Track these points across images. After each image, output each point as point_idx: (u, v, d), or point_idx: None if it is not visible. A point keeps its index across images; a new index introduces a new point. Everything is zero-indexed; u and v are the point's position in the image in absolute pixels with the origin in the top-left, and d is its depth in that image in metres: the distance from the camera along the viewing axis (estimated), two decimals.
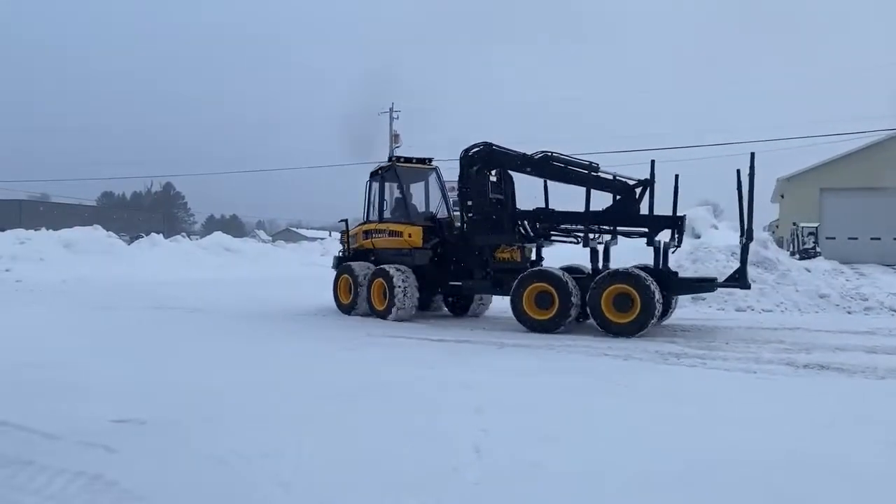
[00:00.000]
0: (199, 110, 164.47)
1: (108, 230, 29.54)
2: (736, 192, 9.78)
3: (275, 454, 4.09)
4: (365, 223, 13.33)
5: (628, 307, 9.40)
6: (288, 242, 52.22)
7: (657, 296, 9.24)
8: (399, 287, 11.46)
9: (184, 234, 44.59)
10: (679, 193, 10.24)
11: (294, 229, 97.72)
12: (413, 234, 12.12)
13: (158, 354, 8.00)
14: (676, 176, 10.25)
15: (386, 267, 11.84)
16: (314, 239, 60.03)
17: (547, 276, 10.07)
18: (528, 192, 11.38)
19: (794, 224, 31.32)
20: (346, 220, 14.12)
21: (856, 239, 32.90)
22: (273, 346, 8.88)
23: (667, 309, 10.53)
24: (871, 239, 33.00)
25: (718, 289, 10.72)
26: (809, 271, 16.61)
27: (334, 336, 9.77)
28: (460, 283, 11.69)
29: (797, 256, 25.59)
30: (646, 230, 10.25)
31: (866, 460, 4.08)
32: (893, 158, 31.66)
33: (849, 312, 12.75)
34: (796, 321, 11.45)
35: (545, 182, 11.00)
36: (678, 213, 10.11)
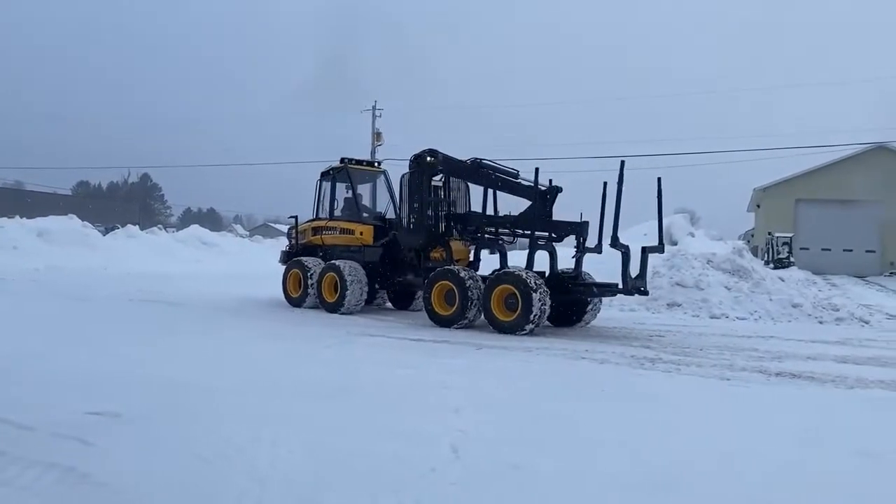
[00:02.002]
0: (179, 101, 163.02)
1: (83, 220, 29.14)
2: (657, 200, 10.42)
3: (251, 450, 4.07)
4: (314, 220, 13.89)
5: (515, 307, 9.95)
6: (265, 237, 51.89)
7: (538, 297, 9.72)
8: (350, 281, 12.08)
9: (160, 226, 44.12)
10: (663, 197, 10.51)
11: (272, 224, 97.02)
12: (364, 233, 12.91)
13: (134, 347, 7.92)
14: (659, 179, 10.46)
15: (337, 262, 12.45)
16: None
17: (450, 275, 10.75)
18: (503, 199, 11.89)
19: (769, 234, 31.76)
20: (295, 217, 14.62)
21: (829, 250, 33.45)
22: (250, 342, 8.82)
23: (582, 312, 11.21)
24: (844, 250, 33.58)
25: (654, 294, 11.59)
26: (783, 281, 16.83)
27: (313, 334, 9.73)
28: (401, 280, 12.66)
29: (771, 266, 25.96)
30: (553, 235, 10.97)
31: (838, 469, 4.15)
32: (867, 172, 32.23)
33: (820, 322, 12.94)
34: (770, 329, 11.60)
35: (486, 188, 11.61)
36: (593, 218, 10.62)
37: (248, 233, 70.32)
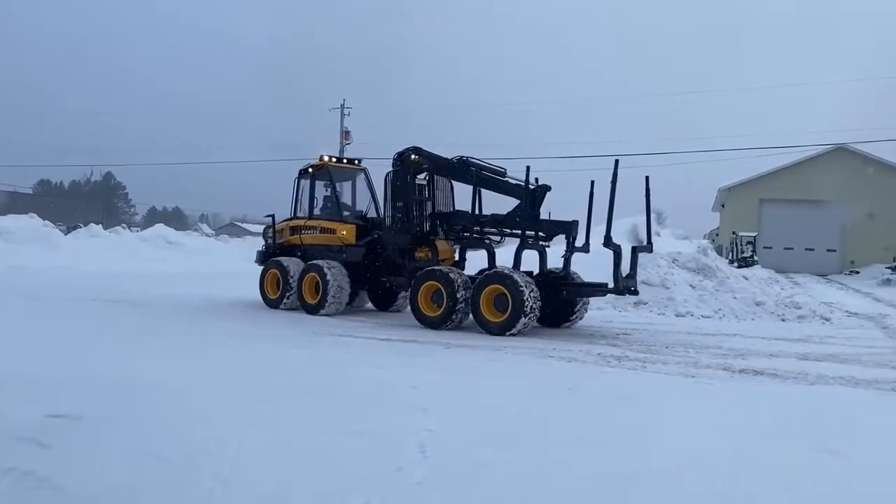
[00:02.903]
0: (143, 98, 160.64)
1: (44, 219, 28.57)
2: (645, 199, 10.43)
3: (216, 451, 4.02)
4: (292, 219, 13.61)
5: (504, 307, 9.81)
6: (232, 237, 51.34)
7: (529, 298, 9.60)
8: (332, 282, 11.80)
9: (124, 225, 43.40)
10: (650, 196, 10.55)
11: (238, 223, 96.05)
12: (347, 232, 12.55)
13: (96, 348, 7.78)
14: (647, 178, 10.48)
15: (319, 262, 12.14)
16: (259, 234, 59.13)
17: (437, 275, 10.54)
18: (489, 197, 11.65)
19: (734, 233, 32.25)
20: (272, 216, 14.28)
21: (791, 249, 34.09)
22: (216, 342, 8.72)
23: (570, 311, 11.08)
24: (806, 249, 34.24)
25: (640, 294, 11.23)
26: (747, 279, 17.12)
27: (281, 334, 9.65)
28: (385, 280, 12.34)
29: (736, 265, 26.36)
30: (543, 234, 10.75)
31: (801, 465, 4.21)
32: (828, 173, 32.88)
33: (783, 320, 13.16)
34: (733, 327, 11.78)
35: (474, 186, 11.35)
36: (573, 218, 10.43)
37: (214, 232, 69.51)
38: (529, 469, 3.92)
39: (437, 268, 10.75)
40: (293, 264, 12.73)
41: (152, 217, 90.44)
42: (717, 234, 40.05)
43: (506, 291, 9.78)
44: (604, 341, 9.53)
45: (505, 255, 11.27)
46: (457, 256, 11.90)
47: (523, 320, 9.65)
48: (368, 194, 13.83)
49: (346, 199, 13.75)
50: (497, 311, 9.94)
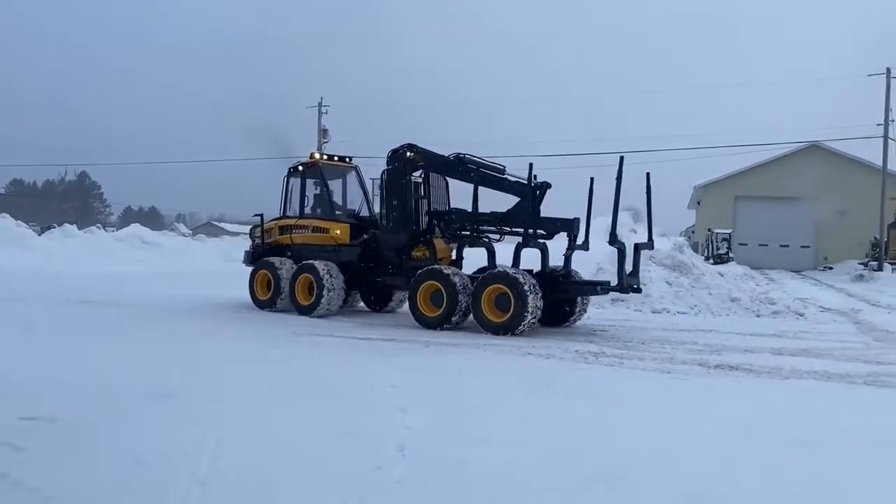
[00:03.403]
0: (119, 96, 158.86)
1: (17, 219, 28.16)
2: (645, 196, 10.40)
3: (193, 452, 4.00)
4: (281, 218, 13.32)
5: (506, 307, 9.64)
6: (209, 236, 50.91)
7: (531, 297, 9.45)
8: (327, 283, 11.53)
9: (99, 225, 42.90)
10: (651, 193, 10.52)
11: (216, 223, 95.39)
12: (341, 231, 12.26)
13: (71, 350, 7.70)
14: (648, 175, 10.39)
15: (313, 262, 11.81)
16: (237, 233, 58.75)
17: (436, 274, 10.32)
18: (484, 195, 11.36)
19: (709, 230, 32.59)
20: (261, 215, 13.95)
21: (766, 245, 34.55)
22: (194, 343, 8.67)
23: (572, 310, 10.92)
24: (781, 246, 34.71)
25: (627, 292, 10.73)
26: (722, 275, 17.29)
27: (259, 334, 9.60)
28: (381, 280, 12.03)
29: (711, 261, 26.66)
30: (544, 232, 10.52)
31: (775, 459, 4.28)
32: (802, 170, 33.35)
33: (758, 315, 13.32)
34: (709, 323, 11.90)
35: (473, 184, 11.02)
36: (574, 216, 10.28)
37: (191, 231, 68.96)
38: (508, 467, 3.95)
39: (436, 267, 10.55)
40: (285, 265, 12.44)
41: (128, 217, 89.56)
42: (693, 232, 40.45)
43: (508, 291, 9.60)
44: (581, 338, 9.59)
45: (504, 254, 11.04)
46: (454, 255, 11.71)
47: (526, 320, 9.49)
48: (359, 193, 13.57)
49: (336, 197, 13.33)
50: (499, 311, 9.75)
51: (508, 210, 10.77)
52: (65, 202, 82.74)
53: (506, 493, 3.56)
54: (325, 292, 11.51)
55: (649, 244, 10.39)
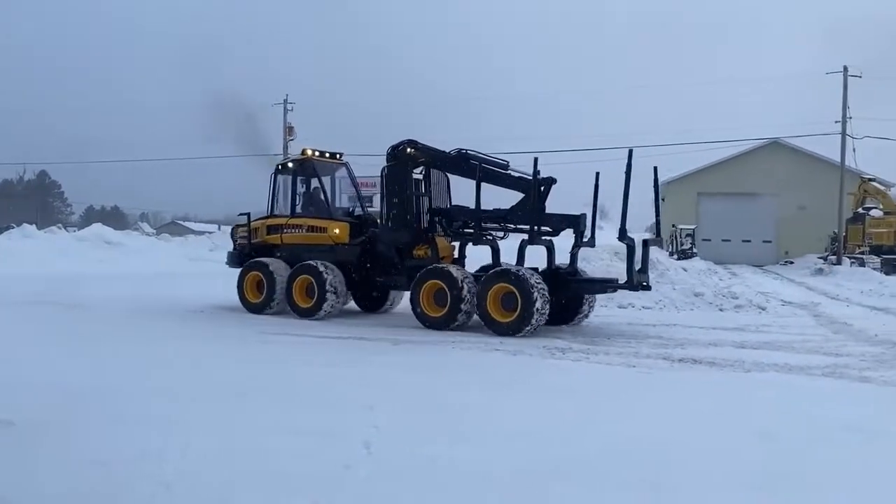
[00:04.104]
0: (79, 94, 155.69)
1: None
2: (653, 192, 10.27)
3: (157, 455, 3.96)
4: (270, 217, 12.69)
5: (513, 306, 9.36)
6: (174, 236, 50.18)
7: (538, 296, 9.19)
8: (329, 284, 11.01)
9: (60, 225, 42.07)
10: (659, 186, 10.47)
11: (180, 222, 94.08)
12: (340, 230, 11.72)
13: (29, 352, 7.55)
14: (655, 168, 10.28)
15: (314, 263, 11.25)
16: (202, 233, 58.03)
17: (440, 273, 10.02)
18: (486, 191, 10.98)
19: (673, 226, 32.99)
20: (248, 214, 13.19)
21: (729, 241, 35.09)
22: (159, 344, 8.55)
23: (579, 308, 10.60)
24: (743, 241, 35.29)
25: (637, 290, 10.32)
26: (686, 271, 17.52)
27: (225, 334, 9.50)
28: (382, 280, 11.58)
29: (675, 256, 26.99)
30: (550, 229, 10.28)
31: (739, 450, 4.37)
32: (763, 166, 33.96)
33: (721, 310, 13.52)
34: (673, 318, 12.06)
35: (476, 181, 10.61)
36: (578, 212, 10.08)
37: (155, 231, 67.97)
38: (474, 462, 3.97)
39: (439, 266, 10.24)
40: (278, 266, 11.82)
41: (90, 216, 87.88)
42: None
43: (514, 290, 9.32)
44: (549, 333, 9.65)
45: (506, 251, 10.75)
46: (456, 254, 11.32)
47: (534, 320, 9.20)
48: (350, 190, 13.03)
49: (319, 195, 12.65)
50: (505, 310, 9.43)
51: (513, 206, 10.51)
52: (24, 202, 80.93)
53: (472, 489, 3.58)
54: (327, 294, 10.99)
55: (658, 240, 10.09)
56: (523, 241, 10.36)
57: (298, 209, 12.52)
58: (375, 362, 7.43)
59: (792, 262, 31.93)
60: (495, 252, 10.64)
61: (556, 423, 4.91)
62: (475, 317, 10.05)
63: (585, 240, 10.06)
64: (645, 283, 9.94)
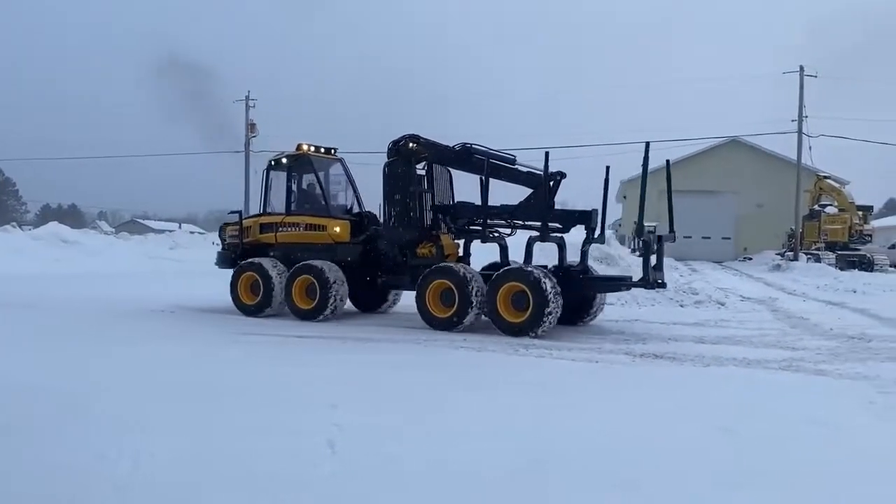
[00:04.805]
0: (34, 91, 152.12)
1: None
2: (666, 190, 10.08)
3: (115, 457, 3.88)
4: (262, 215, 12.31)
5: (525, 306, 9.04)
6: (133, 234, 49.33)
7: (551, 295, 8.89)
8: (332, 284, 10.65)
9: (14, 223, 41.11)
10: (671, 182, 10.22)
11: (140, 221, 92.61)
12: (341, 229, 11.36)
13: None
14: (668, 161, 10.08)
15: (314, 263, 10.89)
16: (162, 231, 57.18)
17: (447, 272, 9.72)
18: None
19: (636, 223, 33.43)
20: (239, 212, 12.84)
21: (690, 237, 35.58)
22: (116, 344, 8.38)
23: (588, 308, 10.38)
24: (703, 238, 35.84)
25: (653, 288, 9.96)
26: None
27: (188, 334, 9.34)
28: (384, 280, 11.27)
29: (637, 253, 27.29)
30: (559, 226, 10.05)
31: (703, 444, 4.44)
32: (722, 164, 34.55)
33: (681, 306, 13.71)
34: (634, 314, 12.20)
35: (481, 177, 10.35)
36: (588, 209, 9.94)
37: (113, 230, 66.83)
38: (439, 460, 3.97)
39: (446, 264, 9.94)
40: (275, 266, 11.38)
41: (46, 215, 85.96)
42: (620, 225, 41.31)
43: (526, 289, 9.00)
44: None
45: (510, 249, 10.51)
46: (461, 252, 10.93)
47: (546, 320, 8.90)
48: (346, 186, 12.51)
49: (317, 192, 12.17)
50: (516, 310, 9.12)
51: (521, 202, 10.18)
52: None
53: (437, 486, 3.58)
54: (330, 294, 10.63)
55: (671, 236, 9.84)
56: (531, 237, 10.15)
57: (293, 206, 12.09)
58: (339, 361, 7.38)
59: (751, 259, 32.55)
60: (503, 250, 10.29)
61: (522, 419, 4.93)
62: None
63: (596, 236, 9.85)
64: (660, 280, 9.60)
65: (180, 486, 3.53)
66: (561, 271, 9.95)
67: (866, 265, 27.17)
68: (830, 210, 30.93)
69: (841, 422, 5.03)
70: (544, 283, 8.95)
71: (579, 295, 10.12)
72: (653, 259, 9.55)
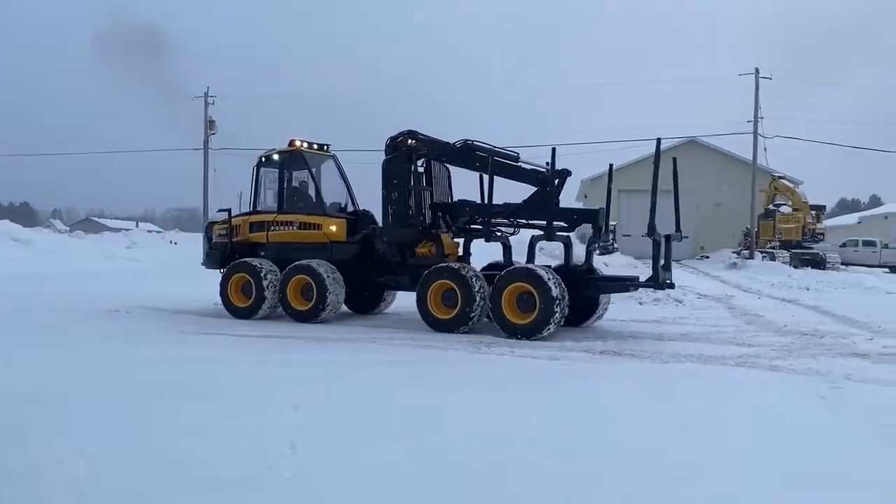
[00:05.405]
0: None
1: None
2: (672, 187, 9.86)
3: (71, 460, 3.80)
4: (253, 214, 11.90)
5: (530, 307, 8.84)
6: (88, 233, 48.30)
7: (558, 295, 8.68)
8: (330, 284, 10.35)
9: None
10: (678, 179, 10.08)
11: (95, 219, 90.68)
12: (337, 228, 11.03)
13: None
14: (674, 160, 9.99)
15: (309, 263, 10.58)
16: (118, 229, 56.08)
17: (450, 272, 9.49)
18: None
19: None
20: (228, 210, 12.27)
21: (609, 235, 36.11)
22: (72, 345, 8.20)
23: (593, 308, 10.22)
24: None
25: (663, 288, 9.67)
26: (608, 266, 17.89)
27: (146, 334, 9.16)
28: (382, 280, 11.02)
29: (598, 252, 27.59)
30: (564, 225, 9.93)
31: (656, 440, 4.50)
32: (680, 165, 34.99)
33: (640, 303, 13.89)
34: None
35: (481, 174, 10.28)
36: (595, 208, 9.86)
37: (68, 228, 65.37)
38: (400, 460, 3.97)
39: (449, 264, 9.68)
40: (268, 266, 11.05)
41: None
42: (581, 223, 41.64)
43: (532, 289, 8.76)
44: (477, 329, 9.71)
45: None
46: (460, 251, 10.68)
47: (553, 322, 8.69)
48: (338, 184, 12.13)
49: (312, 189, 11.78)
50: (521, 311, 8.90)
51: (525, 200, 9.99)
52: None
53: (398, 487, 3.58)
54: (328, 295, 10.32)
55: (678, 235, 9.70)
56: (533, 237, 9.94)
57: (264, 205, 11.82)
58: (301, 361, 7.32)
59: (707, 257, 33.10)
60: (507, 249, 10.11)
61: (484, 418, 4.95)
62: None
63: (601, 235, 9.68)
64: (669, 281, 9.35)
65: (136, 486, 3.47)
66: (566, 271, 9.77)
67: (819, 263, 27.89)
68: (785, 210, 31.67)
69: (789, 415, 5.16)
70: (552, 283, 8.73)
71: (584, 295, 9.89)
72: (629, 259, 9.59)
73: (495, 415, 5.05)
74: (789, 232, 30.16)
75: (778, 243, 30.24)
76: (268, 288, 10.84)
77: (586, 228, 10.22)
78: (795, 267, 26.03)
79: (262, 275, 10.90)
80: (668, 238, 9.34)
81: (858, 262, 31.44)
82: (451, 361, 7.35)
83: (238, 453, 4.01)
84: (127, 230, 51.02)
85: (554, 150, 9.72)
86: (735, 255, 29.77)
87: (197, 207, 43.54)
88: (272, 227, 11.48)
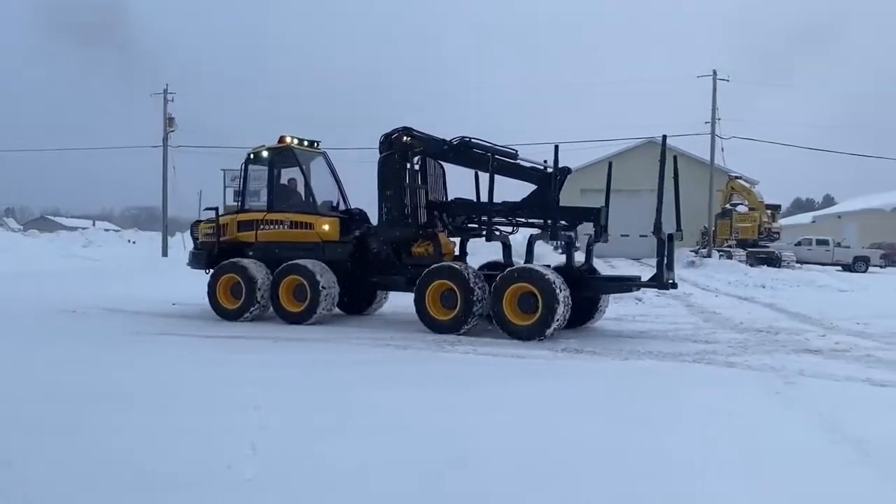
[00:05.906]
0: None
1: None
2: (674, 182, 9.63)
3: (23, 464, 3.73)
4: (241, 212, 11.56)
5: (533, 308, 8.65)
6: (43, 232, 47.24)
7: (561, 297, 8.51)
8: (323, 285, 10.07)
9: None
10: (679, 178, 9.86)
11: (51, 217, 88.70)
12: (330, 227, 10.73)
13: None
14: (675, 158, 9.78)
15: (301, 262, 10.28)
16: (75, 228, 54.97)
17: (449, 272, 9.28)
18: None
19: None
20: (216, 209, 11.95)
21: (609, 235, 36.56)
22: (26, 346, 8.03)
23: (592, 309, 10.06)
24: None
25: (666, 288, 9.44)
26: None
27: (102, 335, 8.97)
28: (376, 280, 10.80)
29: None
30: (565, 223, 9.79)
31: (614, 436, 4.57)
32: (639, 164, 35.52)
33: None
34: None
35: (476, 172, 10.21)
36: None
37: (21, 227, 63.89)
38: (361, 459, 3.96)
39: (448, 264, 9.47)
40: (257, 267, 10.70)
41: None
42: None
43: (534, 290, 8.55)
44: None
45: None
46: (457, 250, 10.54)
47: (555, 323, 8.51)
48: (329, 182, 11.87)
49: (302, 186, 11.50)
50: (523, 312, 8.70)
51: (524, 199, 9.85)
52: None
53: (360, 486, 3.58)
54: (321, 296, 10.03)
55: (679, 234, 9.52)
56: (532, 236, 9.83)
57: (254, 202, 11.52)
58: (261, 362, 7.27)
59: None
60: (507, 249, 9.81)
61: (446, 416, 4.97)
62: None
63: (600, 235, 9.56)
64: (672, 281, 9.17)
65: (91, 490, 3.41)
66: (567, 271, 9.60)
67: (774, 262, 28.48)
68: (741, 209, 32.26)
69: (744, 410, 5.28)
70: (555, 283, 8.56)
71: (585, 296, 9.69)
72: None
73: (457, 413, 5.07)
74: (746, 231, 30.74)
75: (735, 242, 30.80)
76: (259, 289, 10.52)
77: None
78: (752, 265, 26.55)
79: (253, 276, 10.58)
80: (670, 237, 9.15)
81: (812, 260, 32.20)
82: (413, 360, 7.36)
83: (197, 453, 3.97)
84: (84, 229, 50.06)
85: (556, 147, 9.65)
86: (693, 254, 30.26)
87: (156, 206, 42.81)
88: (262, 226, 11.15)
